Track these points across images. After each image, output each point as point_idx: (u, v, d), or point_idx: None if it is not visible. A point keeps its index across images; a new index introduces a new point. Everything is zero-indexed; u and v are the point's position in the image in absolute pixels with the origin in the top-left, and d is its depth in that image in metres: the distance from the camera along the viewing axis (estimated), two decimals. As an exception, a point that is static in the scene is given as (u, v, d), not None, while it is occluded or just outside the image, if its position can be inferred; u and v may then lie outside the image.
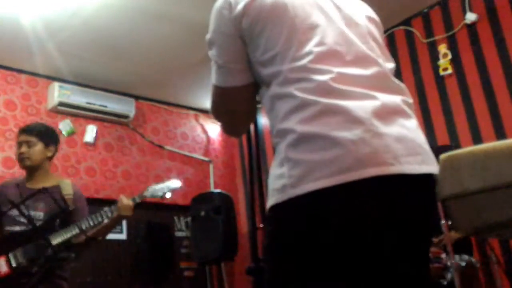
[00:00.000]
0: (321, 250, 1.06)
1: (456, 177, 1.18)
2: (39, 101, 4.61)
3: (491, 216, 1.17)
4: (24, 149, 2.71)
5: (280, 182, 1.10)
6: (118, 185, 4.88)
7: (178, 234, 5.24)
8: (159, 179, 5.19)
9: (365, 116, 1.08)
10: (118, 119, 4.97)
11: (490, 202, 1.16)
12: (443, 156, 1.21)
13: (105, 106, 4.82)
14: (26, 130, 2.77)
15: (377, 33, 1.32)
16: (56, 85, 4.58)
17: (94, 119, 4.88)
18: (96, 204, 4.62)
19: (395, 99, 1.17)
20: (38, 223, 2.58)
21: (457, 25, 3.95)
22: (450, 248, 2.62)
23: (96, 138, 4.86)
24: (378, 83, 1.17)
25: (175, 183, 2.96)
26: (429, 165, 1.15)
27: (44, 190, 2.56)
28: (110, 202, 4.69)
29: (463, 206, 1.19)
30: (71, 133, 4.71)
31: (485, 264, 3.19)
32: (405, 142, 1.11)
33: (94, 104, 4.75)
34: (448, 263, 2.68)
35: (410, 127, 1.16)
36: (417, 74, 4.16)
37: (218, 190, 4.87)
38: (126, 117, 4.99)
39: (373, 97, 1.13)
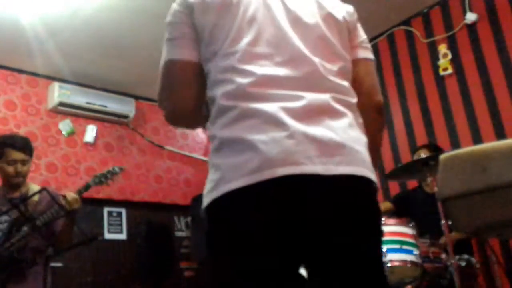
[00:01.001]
0: (234, 249, 1.11)
1: (456, 177, 1.18)
2: (39, 101, 4.61)
3: (491, 216, 1.17)
4: (21, 168, 2.76)
5: (207, 187, 1.16)
6: (118, 185, 4.87)
7: (178, 234, 5.24)
8: (159, 179, 5.20)
9: (282, 117, 1.11)
10: (118, 119, 4.97)
11: (490, 202, 1.16)
12: (443, 156, 1.21)
13: (105, 106, 4.82)
14: (21, 148, 2.77)
15: (334, 31, 1.29)
16: (56, 85, 4.58)
17: (94, 119, 4.87)
18: (96, 204, 4.63)
19: (324, 98, 1.17)
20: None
21: (457, 25, 3.95)
22: (450, 248, 2.62)
23: (96, 138, 4.86)
24: (308, 83, 1.18)
25: (117, 169, 2.97)
26: (350, 166, 1.13)
27: (22, 198, 2.66)
28: (110, 202, 4.73)
29: (463, 206, 1.20)
30: (71, 133, 4.71)
31: (485, 264, 3.19)
32: (324, 142, 1.11)
33: (94, 104, 4.75)
34: (448, 263, 2.68)
35: (335, 127, 1.15)
36: (417, 74, 4.16)
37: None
38: (126, 117, 4.99)
39: (299, 98, 1.14)
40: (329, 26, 1.29)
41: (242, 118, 1.13)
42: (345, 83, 1.25)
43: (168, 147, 5.35)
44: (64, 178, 4.55)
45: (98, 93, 4.83)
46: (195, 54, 1.25)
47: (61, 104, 4.56)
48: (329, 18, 1.30)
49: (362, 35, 1.40)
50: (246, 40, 1.20)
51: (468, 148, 1.20)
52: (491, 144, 1.19)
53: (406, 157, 4.00)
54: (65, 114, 4.70)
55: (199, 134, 5.70)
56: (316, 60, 1.21)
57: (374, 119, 1.31)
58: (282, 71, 1.17)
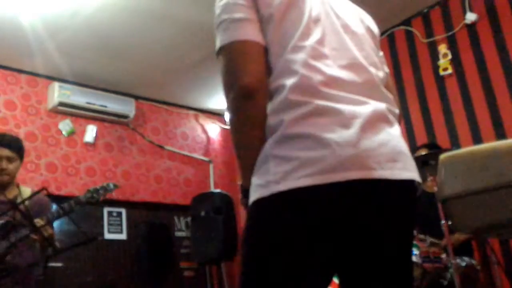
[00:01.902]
0: (295, 247, 1.08)
1: (456, 177, 1.18)
2: (39, 101, 4.61)
3: (491, 216, 1.17)
4: (5, 164, 2.68)
5: (264, 177, 1.11)
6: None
7: (178, 234, 5.24)
8: (159, 179, 5.20)
9: (353, 120, 1.12)
10: (118, 119, 4.97)
11: (490, 202, 1.16)
12: (443, 156, 1.21)
13: (105, 106, 4.82)
14: (6, 144, 2.70)
15: (372, 42, 1.35)
16: (56, 85, 4.58)
17: (94, 119, 4.87)
18: (96, 204, 4.63)
19: (382, 106, 1.20)
20: None
21: (457, 25, 3.95)
22: (450, 248, 2.62)
23: (96, 138, 4.86)
24: (368, 90, 1.20)
25: (112, 185, 2.82)
26: (410, 172, 1.17)
27: (13, 202, 2.56)
28: (110, 202, 4.72)
29: (463, 206, 1.19)
30: (71, 133, 4.71)
31: (485, 264, 3.19)
32: (389, 148, 1.14)
33: (94, 104, 4.75)
34: (448, 263, 2.68)
35: (394, 134, 1.19)
36: (417, 74, 4.16)
37: (218, 190, 4.87)
38: (126, 117, 4.99)
39: (364, 103, 1.16)
40: (370, 36, 1.35)
41: (314, 115, 1.11)
42: (391, 95, 1.29)
43: (168, 147, 5.35)
44: (64, 178, 4.55)
45: (98, 93, 4.83)
46: (261, 37, 1.19)
47: (61, 104, 4.56)
48: (369, 30, 1.37)
49: (381, 50, 1.45)
50: (314, 38, 1.20)
51: (468, 148, 1.20)
52: (491, 144, 1.19)
53: (406, 157, 4.00)
54: (65, 114, 4.70)
55: (199, 134, 5.70)
56: (372, 69, 1.25)
57: None
58: (346, 75, 1.19)
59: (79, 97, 4.67)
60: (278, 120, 1.13)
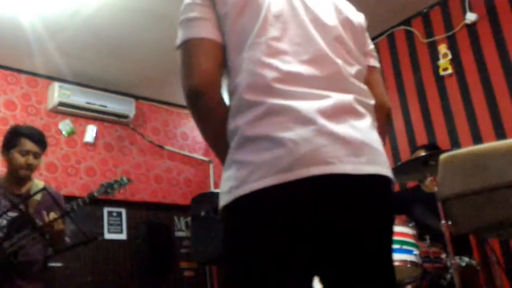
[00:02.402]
0: (262, 247, 1.08)
1: (456, 177, 1.18)
2: (39, 101, 4.61)
3: (491, 216, 1.17)
4: (32, 160, 2.69)
5: (228, 184, 1.13)
6: (118, 185, 4.87)
7: (178, 234, 5.24)
8: (159, 179, 5.20)
9: (310, 115, 1.10)
10: (118, 119, 4.97)
11: (490, 202, 1.16)
12: (443, 156, 1.21)
13: (105, 106, 4.82)
14: (37, 141, 2.71)
15: (349, 35, 1.31)
16: (56, 85, 4.58)
17: (94, 119, 4.88)
18: (96, 204, 4.63)
19: (348, 98, 1.17)
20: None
21: (457, 25, 3.95)
22: (450, 248, 2.62)
23: (96, 138, 4.86)
24: (331, 83, 1.18)
25: (125, 179, 2.85)
26: (376, 165, 1.14)
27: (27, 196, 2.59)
28: (110, 202, 4.72)
29: (463, 206, 1.19)
30: (71, 133, 4.71)
31: (485, 264, 3.18)
32: (350, 142, 1.11)
33: (94, 104, 4.75)
34: (448, 263, 2.68)
35: (359, 127, 1.16)
36: (417, 74, 4.16)
37: (218, 190, 4.86)
38: (126, 117, 4.99)
39: (324, 97, 1.14)
40: (346, 30, 1.31)
41: (269, 115, 1.10)
42: (364, 86, 1.26)
43: (168, 147, 5.35)
44: (64, 178, 4.55)
45: (98, 93, 4.83)
46: (217, 34, 1.20)
47: (61, 104, 4.56)
48: (346, 21, 1.32)
49: (371, 44, 1.43)
50: (271, 34, 1.18)
51: (468, 148, 1.20)
52: (491, 144, 1.19)
53: (406, 157, 4.00)
54: (65, 114, 4.70)
55: (199, 134, 5.68)
56: (339, 61, 1.22)
57: (382, 124, 1.33)
58: (306, 70, 1.17)
59: (79, 97, 4.67)
60: (235, 125, 1.14)
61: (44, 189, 2.60)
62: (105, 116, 4.88)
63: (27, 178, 2.76)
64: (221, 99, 1.20)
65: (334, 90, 1.16)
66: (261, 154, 1.08)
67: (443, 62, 3.97)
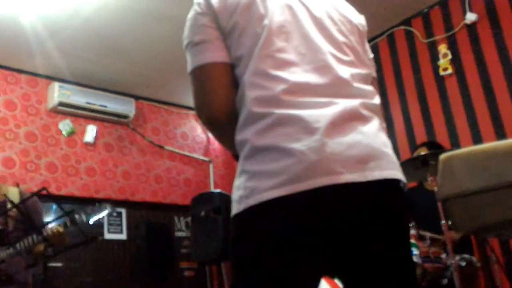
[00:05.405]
0: (270, 257, 1.08)
1: (456, 177, 1.18)
2: (39, 101, 4.61)
3: (491, 216, 1.17)
4: None
5: (238, 193, 1.13)
6: (118, 185, 4.88)
7: (178, 234, 5.24)
8: (159, 179, 5.20)
9: (317, 125, 1.10)
10: (118, 119, 4.97)
11: (490, 202, 1.16)
12: (443, 156, 1.21)
13: (105, 106, 4.82)
14: None
15: (352, 37, 1.31)
16: (56, 85, 4.58)
17: (94, 119, 4.88)
18: (96, 204, 4.63)
19: (354, 104, 1.17)
20: None
21: (457, 25, 3.95)
22: (450, 248, 2.62)
23: (96, 138, 4.86)
24: (335, 90, 1.18)
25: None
26: (385, 170, 1.15)
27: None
28: (110, 202, 4.72)
29: (463, 206, 1.19)
30: (71, 133, 4.71)
31: (485, 264, 3.18)
32: (358, 149, 1.11)
33: (94, 104, 4.75)
34: (448, 263, 2.68)
35: (367, 132, 1.16)
36: (417, 74, 4.16)
37: (218, 190, 4.86)
38: (126, 117, 4.99)
39: (330, 104, 1.14)
40: (351, 33, 1.31)
41: (277, 125, 1.11)
42: (370, 88, 1.26)
43: (168, 147, 5.35)
44: (64, 178, 4.55)
45: (98, 93, 4.83)
46: (225, 55, 1.22)
47: (61, 104, 4.56)
48: (350, 25, 1.33)
49: (370, 53, 1.42)
50: (276, 45, 1.19)
51: (468, 148, 1.20)
52: (491, 144, 1.19)
53: (406, 157, 4.00)
54: (65, 114, 4.70)
55: (199, 134, 5.70)
56: (342, 67, 1.22)
57: None
58: (313, 78, 1.17)
59: (79, 97, 4.67)
60: (243, 136, 1.15)
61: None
62: (105, 116, 4.88)
63: None
64: (236, 118, 1.21)
65: (340, 96, 1.17)
66: (270, 164, 1.09)
67: (443, 62, 3.97)
